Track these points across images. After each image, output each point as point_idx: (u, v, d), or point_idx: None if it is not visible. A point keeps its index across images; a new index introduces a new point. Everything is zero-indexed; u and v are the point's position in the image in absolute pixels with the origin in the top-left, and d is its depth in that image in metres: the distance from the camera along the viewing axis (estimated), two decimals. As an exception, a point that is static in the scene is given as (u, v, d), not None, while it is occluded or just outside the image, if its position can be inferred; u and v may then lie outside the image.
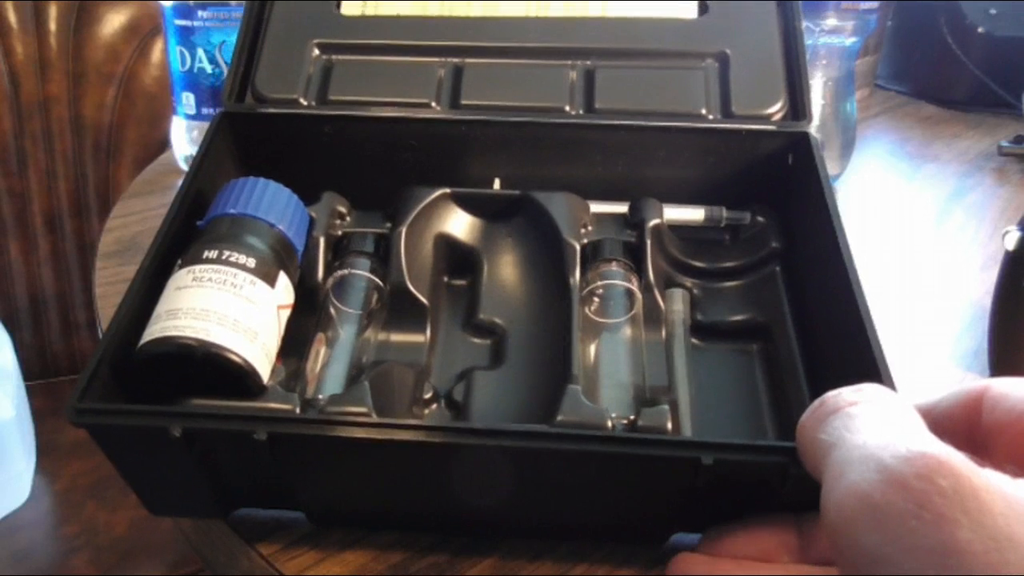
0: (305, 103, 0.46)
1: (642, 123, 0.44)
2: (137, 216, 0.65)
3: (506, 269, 0.42)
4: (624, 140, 0.44)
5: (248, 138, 0.46)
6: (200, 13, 0.65)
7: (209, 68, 0.67)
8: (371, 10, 0.49)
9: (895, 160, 0.81)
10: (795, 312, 0.40)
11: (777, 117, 0.44)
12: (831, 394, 0.25)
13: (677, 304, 0.41)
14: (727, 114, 0.45)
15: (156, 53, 1.03)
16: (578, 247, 0.40)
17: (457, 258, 0.43)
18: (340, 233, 0.42)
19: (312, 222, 0.42)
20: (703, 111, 0.45)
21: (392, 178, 0.43)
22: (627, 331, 0.39)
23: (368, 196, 0.43)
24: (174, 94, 0.69)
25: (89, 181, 1.05)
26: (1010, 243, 0.45)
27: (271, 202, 0.39)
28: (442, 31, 0.48)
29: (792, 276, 0.42)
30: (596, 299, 0.40)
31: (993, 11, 0.91)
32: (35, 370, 1.07)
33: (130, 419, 0.30)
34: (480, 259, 0.42)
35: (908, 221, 0.68)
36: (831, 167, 0.70)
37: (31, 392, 0.94)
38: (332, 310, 0.40)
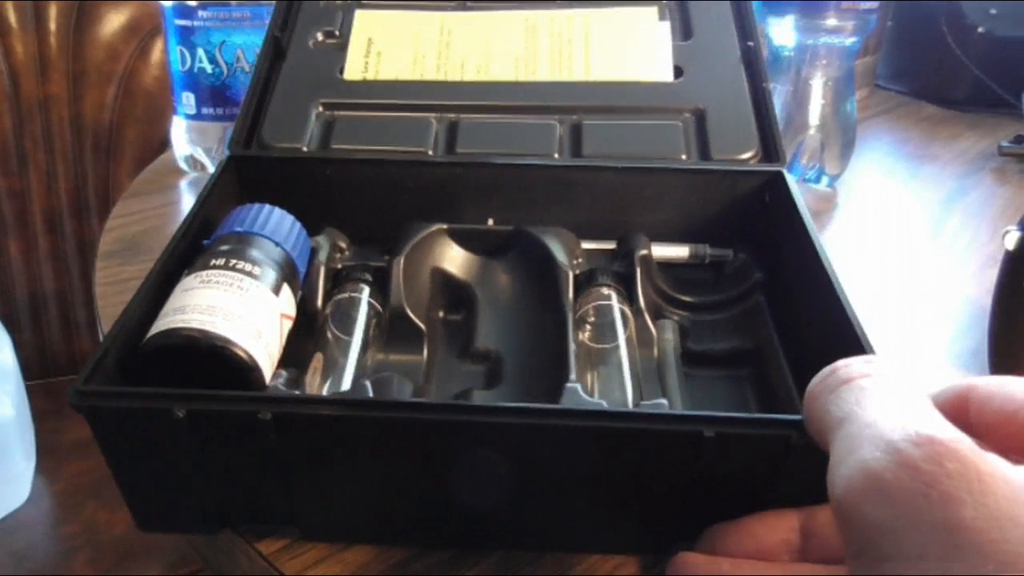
0: (307, 151, 0.48)
1: (627, 164, 0.47)
2: (137, 216, 0.65)
3: (501, 302, 0.43)
4: (610, 182, 0.47)
5: (252, 180, 0.47)
6: (200, 13, 0.65)
7: (209, 68, 0.67)
8: (372, 75, 0.53)
9: (895, 160, 0.81)
10: (782, 336, 0.42)
11: (752, 162, 0.47)
12: (842, 363, 0.25)
13: (668, 333, 0.42)
14: (706, 160, 0.47)
15: (156, 53, 1.03)
16: (571, 274, 0.42)
17: (453, 294, 0.44)
18: (340, 266, 0.44)
19: (313, 251, 0.43)
20: (683, 157, 0.47)
21: (390, 221, 0.45)
22: (620, 355, 0.39)
23: (367, 238, 0.46)
24: (174, 94, 0.69)
25: (89, 181, 1.05)
26: (1010, 243, 0.45)
27: (276, 225, 0.40)
28: (438, 93, 0.51)
29: (777, 303, 0.44)
30: (589, 326, 0.41)
31: (993, 11, 0.91)
32: (35, 370, 1.07)
33: (134, 402, 0.30)
34: (475, 295, 0.44)
35: (908, 221, 0.69)
36: (831, 167, 0.71)
37: (31, 392, 0.94)
38: (330, 335, 0.40)
